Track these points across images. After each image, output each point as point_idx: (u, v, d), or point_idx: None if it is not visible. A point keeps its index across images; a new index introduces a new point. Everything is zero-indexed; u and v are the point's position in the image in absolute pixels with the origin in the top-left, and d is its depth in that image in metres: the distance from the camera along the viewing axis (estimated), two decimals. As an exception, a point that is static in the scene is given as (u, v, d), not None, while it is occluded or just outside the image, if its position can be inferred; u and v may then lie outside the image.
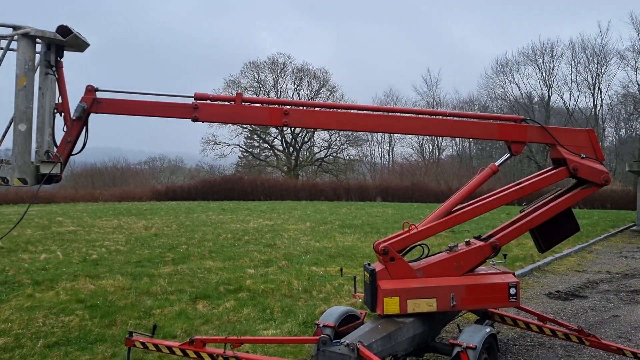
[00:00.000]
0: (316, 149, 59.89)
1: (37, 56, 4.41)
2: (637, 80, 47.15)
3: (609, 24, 73.08)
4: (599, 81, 50.04)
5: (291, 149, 58.25)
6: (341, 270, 8.66)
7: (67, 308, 7.44)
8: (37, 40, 4.37)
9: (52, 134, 4.56)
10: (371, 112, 5.42)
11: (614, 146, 54.40)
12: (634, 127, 51.78)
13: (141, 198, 39.58)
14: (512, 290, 5.27)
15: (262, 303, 7.88)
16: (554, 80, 52.21)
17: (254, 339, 5.64)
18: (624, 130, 54.13)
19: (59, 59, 4.56)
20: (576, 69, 51.03)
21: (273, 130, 58.77)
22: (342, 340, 4.56)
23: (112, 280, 9.07)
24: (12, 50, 4.28)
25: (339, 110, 5.41)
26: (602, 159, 5.62)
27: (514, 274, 5.52)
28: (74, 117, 4.55)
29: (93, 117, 4.67)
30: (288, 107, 5.15)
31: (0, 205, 33.02)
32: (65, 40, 4.45)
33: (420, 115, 5.56)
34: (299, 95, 55.22)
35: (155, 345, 5.13)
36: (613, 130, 54.65)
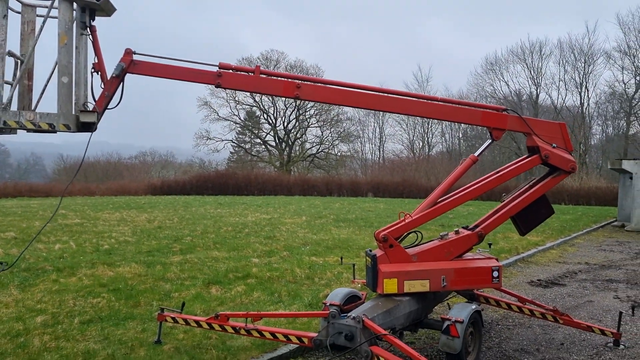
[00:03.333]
0: (308, 145, 60.67)
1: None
2: (623, 80, 48.35)
3: (597, 24, 74.66)
4: (586, 80, 51.13)
5: (284, 144, 58.93)
6: (341, 259, 9.47)
7: (93, 291, 8.15)
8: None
9: (92, 89, 5.23)
10: (373, 92, 6.08)
11: (601, 144, 55.57)
12: (620, 125, 52.93)
13: (137, 192, 40.15)
14: (495, 273, 6.05)
15: (269, 288, 8.63)
16: (542, 78, 53.31)
17: (272, 314, 6.41)
18: (611, 129, 55.33)
19: (91, 22, 5.21)
20: (564, 67, 52.14)
21: (266, 126, 59.52)
22: (349, 314, 5.33)
23: (129, 268, 9.79)
24: (53, 17, 4.93)
25: (345, 88, 6.07)
26: (571, 150, 6.37)
27: (497, 259, 6.30)
28: (113, 75, 5.28)
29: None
30: (300, 81, 5.85)
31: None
32: (99, 4, 5.15)
33: (415, 99, 6.29)
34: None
35: (185, 320, 5.88)
36: (600, 128, 55.87)
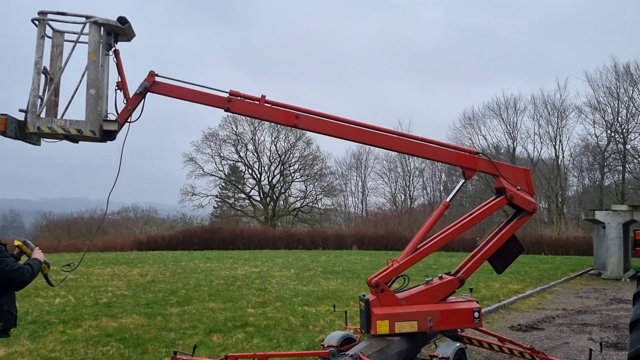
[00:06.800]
0: (292, 199, 61.44)
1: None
2: (595, 133, 50.39)
3: (567, 81, 78.26)
4: (559, 134, 53.04)
5: (268, 199, 59.63)
6: (334, 306, 10.09)
7: (101, 341, 8.63)
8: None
9: (115, 104, 6.01)
10: (363, 128, 6.85)
11: (578, 195, 57.18)
12: (595, 176, 54.70)
13: (123, 248, 40.18)
14: (476, 314, 6.76)
15: (267, 335, 9.18)
16: (518, 132, 55.17)
17: (277, 354, 6.98)
18: (587, 180, 57.08)
19: (115, 45, 6.00)
20: (538, 122, 54.10)
21: (251, 181, 60.36)
22: (347, 353, 5.96)
23: (131, 319, 10.26)
24: (82, 42, 5.67)
25: (338, 122, 6.79)
26: (533, 193, 7.21)
27: (477, 302, 7.01)
28: (137, 92, 6.08)
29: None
30: (300, 112, 6.61)
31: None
32: (123, 28, 5.94)
33: (400, 137, 7.15)
34: (276, 148, 57.23)
35: (196, 362, 6.42)
36: (577, 179, 57.60)
